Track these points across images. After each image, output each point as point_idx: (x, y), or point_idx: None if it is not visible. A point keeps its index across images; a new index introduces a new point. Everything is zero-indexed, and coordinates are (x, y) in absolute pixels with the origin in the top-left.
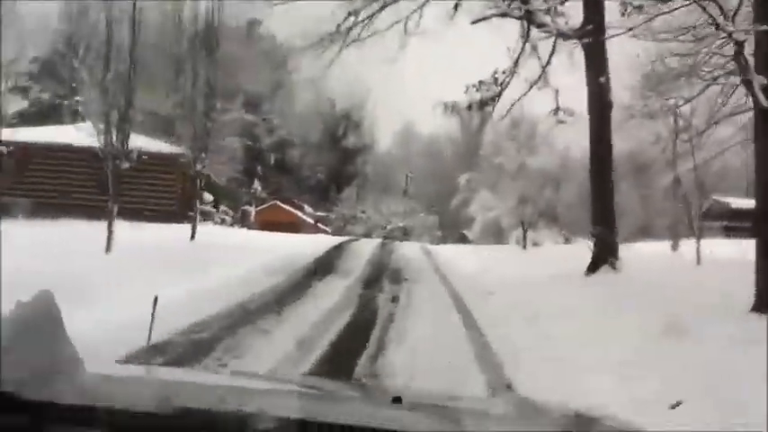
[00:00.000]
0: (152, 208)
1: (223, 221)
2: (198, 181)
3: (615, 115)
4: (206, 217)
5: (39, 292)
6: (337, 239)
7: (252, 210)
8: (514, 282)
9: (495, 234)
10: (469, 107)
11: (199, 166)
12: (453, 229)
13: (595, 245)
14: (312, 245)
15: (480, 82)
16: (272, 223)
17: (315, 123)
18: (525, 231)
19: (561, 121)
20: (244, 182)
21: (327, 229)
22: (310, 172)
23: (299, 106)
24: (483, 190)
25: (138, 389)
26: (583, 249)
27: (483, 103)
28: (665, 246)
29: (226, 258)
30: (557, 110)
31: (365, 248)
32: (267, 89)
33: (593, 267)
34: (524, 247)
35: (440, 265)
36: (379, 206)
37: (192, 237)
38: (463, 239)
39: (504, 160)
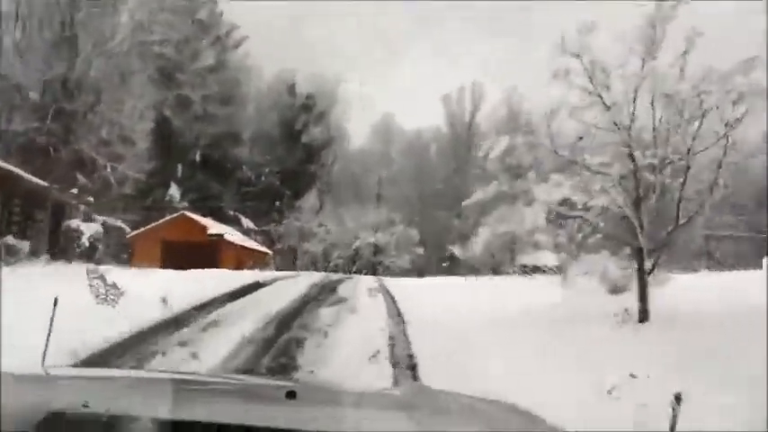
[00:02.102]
0: None
1: (33, 255)
2: None
3: None
4: None
5: None
6: (226, 286)
7: (84, 228)
8: None
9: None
10: None
11: None
12: (439, 247)
13: None
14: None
15: None
16: (176, 245)
17: (266, 111)
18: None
19: None
20: (152, 186)
21: (267, 251)
22: (253, 173)
23: (251, 89)
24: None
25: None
26: None
27: None
28: None
29: None
30: None
31: (240, 329)
32: (201, 66)
33: None
34: (644, 321)
35: None
36: (342, 217)
37: None
38: (452, 263)
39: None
